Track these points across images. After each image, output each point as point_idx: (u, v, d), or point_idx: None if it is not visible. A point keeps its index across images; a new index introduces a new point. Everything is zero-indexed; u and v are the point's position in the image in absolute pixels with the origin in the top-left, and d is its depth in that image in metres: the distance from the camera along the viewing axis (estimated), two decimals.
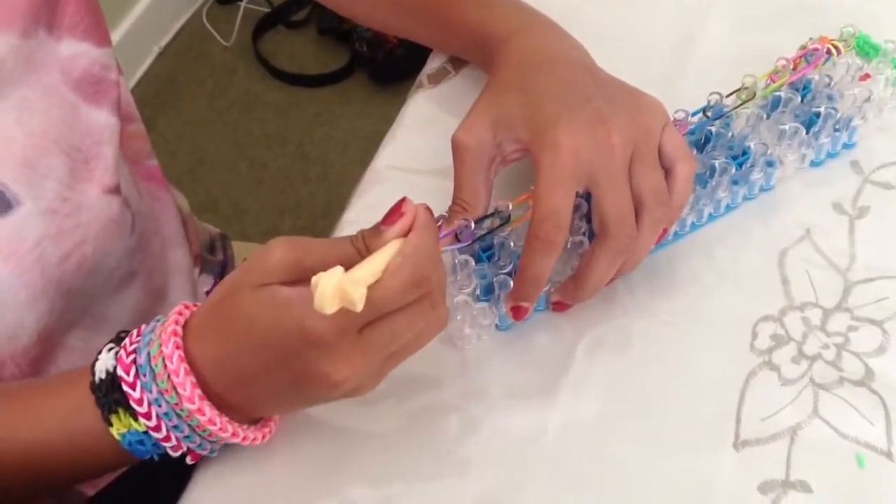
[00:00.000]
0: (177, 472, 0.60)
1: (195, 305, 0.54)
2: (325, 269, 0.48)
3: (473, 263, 0.61)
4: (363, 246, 0.50)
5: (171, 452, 0.54)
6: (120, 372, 0.52)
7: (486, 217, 0.61)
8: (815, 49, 0.68)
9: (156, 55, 2.07)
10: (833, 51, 0.68)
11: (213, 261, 0.89)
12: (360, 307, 0.46)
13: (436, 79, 0.77)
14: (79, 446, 0.55)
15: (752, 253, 0.66)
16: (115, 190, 0.65)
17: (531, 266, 0.57)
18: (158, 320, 0.54)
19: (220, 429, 0.53)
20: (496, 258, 0.62)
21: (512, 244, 0.61)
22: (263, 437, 0.56)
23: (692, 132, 0.65)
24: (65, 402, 0.54)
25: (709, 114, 0.66)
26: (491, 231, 0.61)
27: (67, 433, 0.54)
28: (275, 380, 0.52)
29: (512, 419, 0.60)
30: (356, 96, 2.00)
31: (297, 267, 0.50)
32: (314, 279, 0.46)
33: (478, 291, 0.61)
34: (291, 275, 0.50)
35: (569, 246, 0.60)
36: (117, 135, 0.65)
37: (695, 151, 0.64)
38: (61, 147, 0.61)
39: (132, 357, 0.52)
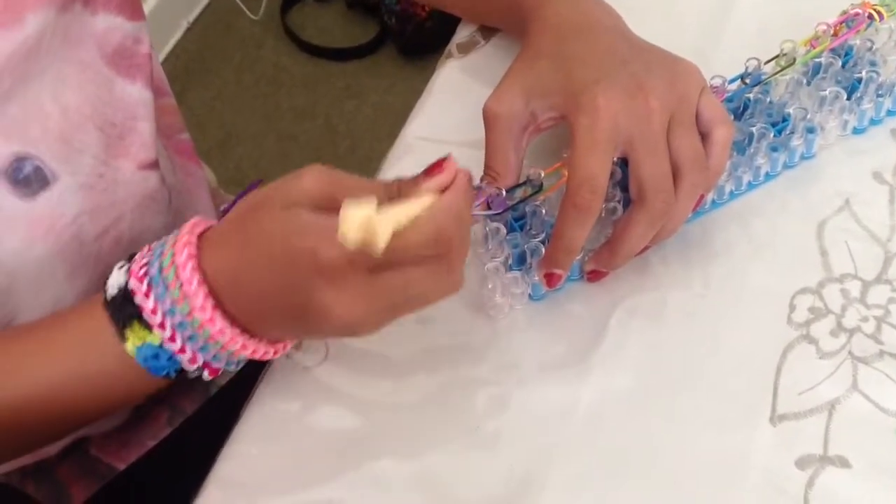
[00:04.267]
0: (205, 448, 0.60)
1: (209, 221, 0.54)
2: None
3: (505, 232, 0.60)
4: (397, 195, 0.50)
5: (186, 367, 0.53)
6: (132, 284, 0.51)
7: (518, 186, 0.60)
8: (857, 14, 0.66)
9: (184, 30, 2.06)
10: (875, 16, 0.66)
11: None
12: (380, 251, 0.45)
13: (465, 48, 0.76)
14: (97, 371, 0.54)
15: (790, 224, 0.64)
16: (152, 165, 0.64)
17: (566, 233, 0.56)
18: (170, 234, 0.53)
19: (231, 340, 0.52)
20: (528, 227, 0.61)
21: (544, 212, 0.60)
22: (276, 351, 0.55)
23: (730, 99, 0.64)
24: (80, 328, 0.54)
25: (747, 80, 0.64)
26: (523, 200, 0.60)
27: (85, 358, 0.53)
28: (281, 303, 0.51)
29: (543, 392, 0.59)
30: (385, 69, 1.98)
31: (327, 197, 0.49)
32: (345, 203, 0.45)
33: (510, 261, 0.60)
34: (319, 203, 0.49)
35: (602, 214, 0.59)
36: (152, 109, 0.65)
37: (733, 118, 0.63)
38: (96, 122, 0.61)
39: (144, 269, 0.51)
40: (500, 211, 0.59)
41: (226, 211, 0.54)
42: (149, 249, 0.53)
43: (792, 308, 0.61)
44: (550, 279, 0.59)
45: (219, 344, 0.52)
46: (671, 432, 0.57)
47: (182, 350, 0.52)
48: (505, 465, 0.57)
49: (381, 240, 0.45)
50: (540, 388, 0.59)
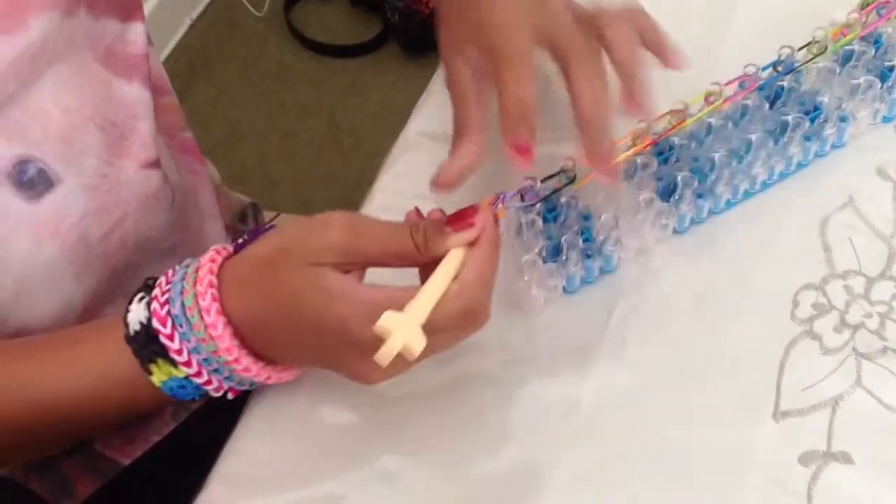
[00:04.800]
0: (209, 444, 0.60)
1: (225, 249, 0.54)
2: (380, 260, 0.50)
3: (541, 223, 0.59)
4: (423, 242, 0.50)
5: (212, 393, 0.55)
6: (156, 324, 0.52)
7: (551, 176, 0.59)
8: (887, 1, 0.66)
9: (188, 27, 2.06)
10: None
11: (245, 231, 0.89)
12: (415, 357, 0.47)
13: None
14: (117, 395, 0.55)
15: (793, 220, 0.64)
16: (154, 164, 0.64)
17: (510, 93, 0.54)
18: (188, 267, 0.53)
19: (256, 374, 0.54)
20: (563, 219, 0.61)
21: (579, 204, 0.60)
22: (297, 372, 0.57)
23: (762, 87, 0.63)
24: (99, 355, 0.55)
25: (779, 68, 0.64)
26: (556, 191, 0.59)
27: (104, 384, 0.54)
28: (307, 353, 0.53)
29: (547, 388, 0.59)
30: (388, 66, 1.98)
31: (352, 252, 0.50)
32: (383, 325, 0.46)
33: (543, 253, 0.60)
34: (345, 258, 0.50)
35: (641, 202, 0.60)
36: (151, 109, 0.65)
37: (766, 107, 0.63)
38: (97, 123, 0.61)
39: (166, 308, 0.52)
40: (532, 202, 0.58)
41: (239, 247, 0.55)
42: (167, 282, 0.53)
43: (795, 304, 0.61)
44: (520, 151, 0.55)
45: (243, 376, 0.54)
46: (674, 429, 0.57)
47: (208, 382, 0.54)
48: (508, 459, 0.57)
49: (417, 349, 0.47)
50: (544, 384, 0.59)
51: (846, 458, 0.56)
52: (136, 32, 0.64)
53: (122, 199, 0.63)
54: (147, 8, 1.90)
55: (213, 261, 0.53)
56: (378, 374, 0.51)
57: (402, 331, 0.46)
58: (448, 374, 0.60)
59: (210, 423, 0.62)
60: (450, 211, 0.54)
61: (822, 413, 0.57)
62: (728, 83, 0.63)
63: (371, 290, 0.50)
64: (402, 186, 0.69)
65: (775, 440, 0.56)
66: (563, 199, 0.60)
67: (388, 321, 0.46)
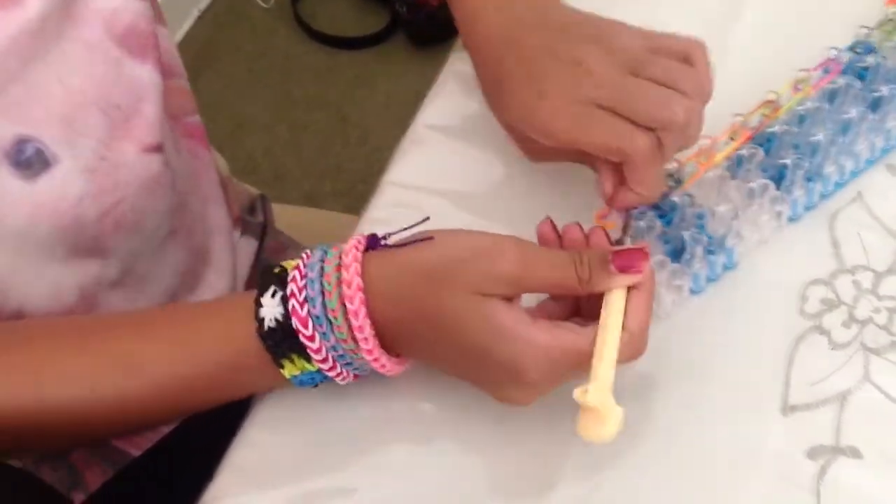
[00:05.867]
0: (219, 435, 0.60)
1: (360, 243, 0.53)
2: (540, 289, 0.52)
3: (661, 227, 0.59)
4: (587, 276, 0.51)
5: (339, 382, 0.55)
6: (296, 325, 0.52)
7: None
8: None
9: (195, 18, 2.06)
10: None
11: (254, 222, 0.89)
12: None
13: None
14: (233, 381, 0.56)
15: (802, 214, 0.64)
16: (156, 149, 0.64)
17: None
18: (323, 262, 0.53)
19: (389, 370, 0.54)
20: (678, 219, 0.60)
21: (689, 200, 0.60)
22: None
23: (845, 71, 0.63)
24: (222, 342, 0.55)
25: (858, 49, 0.63)
26: (666, 195, 0.60)
27: (224, 369, 0.55)
28: (452, 366, 0.54)
29: None
30: (396, 58, 1.98)
31: (519, 285, 0.51)
32: (594, 405, 0.49)
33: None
34: (512, 290, 0.51)
35: (755, 188, 0.60)
36: (160, 92, 0.65)
37: (858, 85, 0.62)
38: (100, 106, 0.61)
39: (306, 308, 0.52)
40: (644, 209, 0.59)
41: (375, 242, 0.54)
42: (301, 277, 0.53)
43: (804, 299, 0.61)
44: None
45: (373, 368, 0.54)
46: (683, 422, 0.57)
47: (339, 374, 0.54)
48: (520, 452, 0.57)
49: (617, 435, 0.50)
50: None
51: (854, 453, 0.56)
52: (150, 10, 0.64)
53: (121, 182, 0.62)
54: None
55: (356, 259, 0.52)
56: (529, 399, 0.53)
57: (614, 417, 0.50)
58: None
59: (221, 414, 0.62)
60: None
61: (830, 408, 0.57)
62: (813, 69, 0.63)
63: (544, 335, 0.50)
64: (411, 180, 0.69)
65: (783, 434, 0.56)
66: (676, 199, 0.60)
67: (599, 401, 0.49)
